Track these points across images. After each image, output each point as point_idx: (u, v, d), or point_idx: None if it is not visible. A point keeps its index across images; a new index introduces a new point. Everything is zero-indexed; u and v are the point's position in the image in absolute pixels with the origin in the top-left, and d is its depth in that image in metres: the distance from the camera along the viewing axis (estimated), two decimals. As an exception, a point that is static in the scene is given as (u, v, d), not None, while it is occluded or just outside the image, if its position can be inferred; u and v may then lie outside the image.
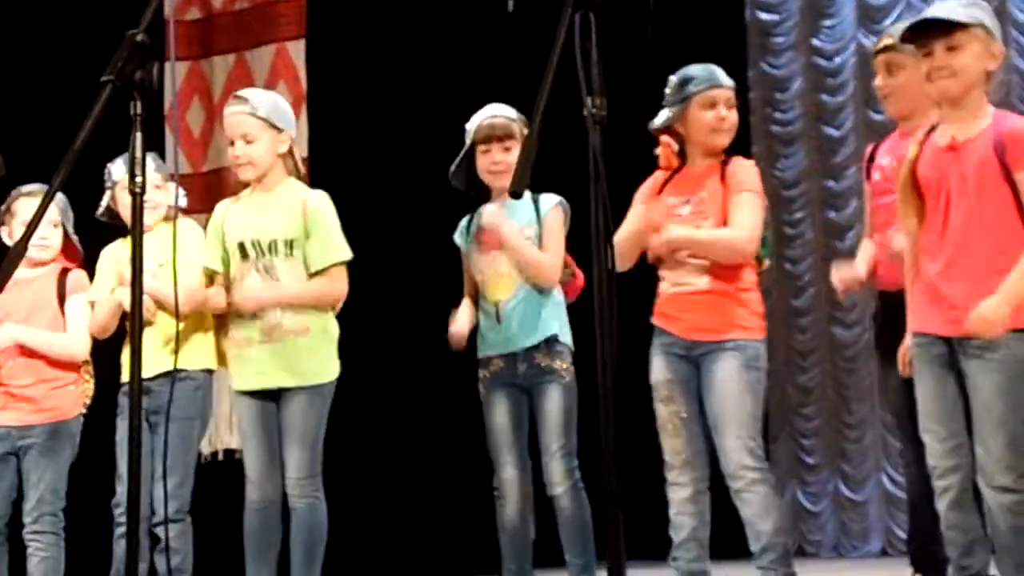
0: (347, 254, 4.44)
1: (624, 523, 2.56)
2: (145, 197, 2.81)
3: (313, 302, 4.39)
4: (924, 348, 3.72)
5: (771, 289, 9.67)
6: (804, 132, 9.76)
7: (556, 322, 4.50)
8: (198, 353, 4.85)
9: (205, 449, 7.05)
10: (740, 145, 4.38)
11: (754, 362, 4.07)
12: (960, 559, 3.67)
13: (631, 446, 3.42)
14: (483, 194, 4.64)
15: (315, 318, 4.40)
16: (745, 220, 4.07)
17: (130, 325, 2.80)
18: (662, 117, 4.22)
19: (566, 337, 4.51)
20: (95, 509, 5.12)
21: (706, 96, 4.16)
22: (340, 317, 4.54)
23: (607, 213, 2.62)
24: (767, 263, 4.23)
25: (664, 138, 4.22)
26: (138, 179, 2.76)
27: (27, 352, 4.89)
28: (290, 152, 4.52)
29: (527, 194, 4.54)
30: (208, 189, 8.36)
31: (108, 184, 4.97)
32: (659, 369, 4.15)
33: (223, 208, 4.58)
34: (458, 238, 4.68)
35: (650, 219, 4.16)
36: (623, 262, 4.08)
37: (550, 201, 4.55)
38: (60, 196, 4.81)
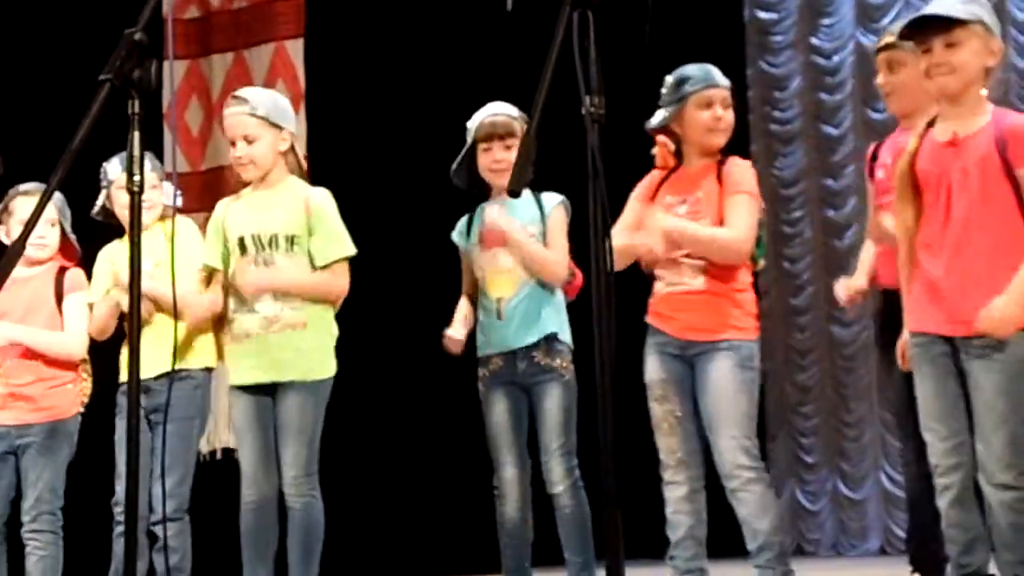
0: (350, 250, 4.44)
1: (623, 522, 2.56)
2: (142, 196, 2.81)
3: (313, 293, 4.39)
4: (924, 347, 3.71)
5: (769, 288, 9.68)
6: (803, 131, 9.77)
7: (556, 321, 4.50)
8: (197, 352, 4.85)
9: (204, 448, 7.05)
10: (738, 144, 4.37)
11: (748, 362, 4.08)
12: (960, 557, 3.68)
13: (629, 445, 3.43)
14: (484, 192, 4.63)
15: (314, 313, 4.40)
16: (740, 222, 4.07)
17: (128, 325, 2.79)
18: (658, 117, 4.22)
19: (566, 336, 4.51)
20: (94, 508, 5.12)
21: (702, 96, 4.16)
22: (340, 315, 4.54)
23: (605, 212, 2.62)
24: (762, 263, 4.23)
25: (660, 138, 4.22)
26: (136, 178, 2.75)
27: (26, 352, 4.88)
28: (291, 149, 4.52)
29: (529, 193, 4.55)
30: (207, 188, 8.36)
31: (104, 183, 4.98)
32: (653, 368, 4.15)
33: (224, 206, 4.58)
34: (456, 237, 4.67)
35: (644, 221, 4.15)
36: (619, 260, 4.07)
37: (553, 200, 4.55)
38: (58, 195, 4.81)
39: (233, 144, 4.47)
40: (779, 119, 9.81)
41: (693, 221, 4.11)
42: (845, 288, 4.59)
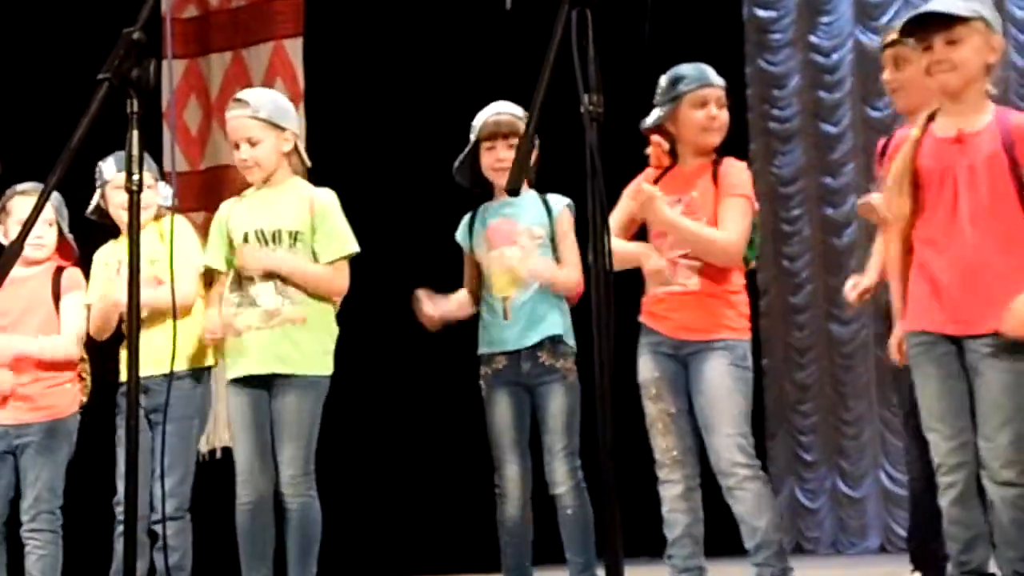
0: (353, 248, 4.45)
1: (622, 521, 2.56)
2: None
3: (314, 283, 4.39)
4: (927, 347, 3.70)
5: (768, 286, 9.69)
6: (802, 129, 9.77)
7: (561, 322, 4.50)
8: (196, 351, 4.86)
9: (203, 447, 7.06)
10: (737, 142, 4.38)
11: (742, 361, 4.09)
12: (960, 555, 3.67)
13: (628, 444, 3.43)
14: (487, 191, 4.63)
15: (314, 310, 4.40)
16: (733, 225, 4.08)
17: (128, 325, 2.79)
18: (653, 116, 4.22)
19: (570, 338, 4.51)
20: (96, 507, 5.12)
21: (697, 95, 4.16)
22: (340, 314, 4.54)
23: (604, 210, 2.62)
24: (752, 264, 4.23)
25: (654, 137, 4.22)
26: (135, 177, 2.75)
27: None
28: (295, 150, 4.53)
29: (535, 193, 4.56)
30: (206, 187, 8.36)
31: (98, 183, 4.98)
32: (647, 367, 4.15)
33: (227, 207, 4.58)
34: (460, 237, 4.67)
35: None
36: (617, 263, 4.07)
37: (560, 202, 4.55)
38: (55, 195, 4.82)
39: (236, 147, 4.47)
40: (778, 117, 9.81)
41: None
42: (854, 287, 4.56)
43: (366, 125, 8.60)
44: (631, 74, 4.59)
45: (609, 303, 2.57)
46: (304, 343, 4.37)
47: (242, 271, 4.41)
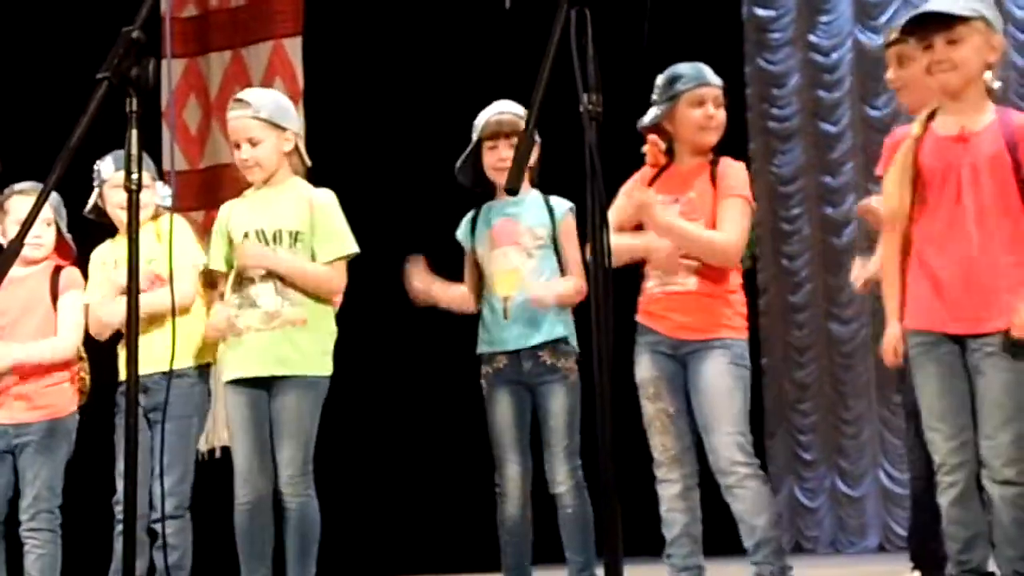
0: (351, 248, 4.44)
1: (621, 520, 2.56)
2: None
3: (313, 283, 4.38)
4: (929, 346, 3.70)
5: (768, 285, 9.69)
6: (801, 128, 9.77)
7: (562, 322, 4.49)
8: (195, 349, 4.86)
9: (202, 446, 7.05)
10: (736, 141, 4.38)
11: (740, 360, 4.09)
12: (959, 554, 3.67)
13: (627, 443, 3.43)
14: (489, 190, 4.63)
15: (314, 311, 4.40)
16: (732, 226, 4.07)
17: (127, 324, 2.79)
18: (650, 115, 4.21)
19: (572, 338, 4.50)
20: (96, 507, 5.13)
21: (694, 94, 4.15)
22: (341, 313, 4.54)
23: (603, 209, 2.62)
24: (748, 263, 4.23)
25: (651, 136, 4.22)
26: (134, 176, 2.75)
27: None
28: (295, 150, 4.52)
29: (537, 193, 4.56)
30: (205, 186, 8.36)
31: (96, 182, 4.98)
32: (645, 367, 4.14)
33: (228, 208, 4.58)
34: (461, 236, 4.67)
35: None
36: (616, 259, 4.06)
37: (563, 206, 4.55)
38: (54, 194, 4.80)
39: (237, 147, 4.47)
40: (777, 116, 9.82)
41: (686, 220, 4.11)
42: (860, 272, 4.52)
43: (365, 124, 8.60)
44: (630, 73, 4.58)
45: (608, 302, 2.57)
46: (304, 344, 4.37)
47: (242, 271, 4.41)
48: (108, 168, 4.92)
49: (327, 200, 4.46)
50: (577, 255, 4.48)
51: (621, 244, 3.79)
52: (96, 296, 4.95)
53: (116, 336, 4.95)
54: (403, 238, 8.08)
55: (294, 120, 4.55)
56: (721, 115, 4.18)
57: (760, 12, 9.87)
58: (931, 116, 3.76)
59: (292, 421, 4.33)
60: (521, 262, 4.51)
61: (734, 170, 4.16)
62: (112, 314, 4.85)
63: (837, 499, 9.45)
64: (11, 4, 8.15)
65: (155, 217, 4.96)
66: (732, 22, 9.74)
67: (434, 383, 8.21)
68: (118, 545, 4.74)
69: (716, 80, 4.21)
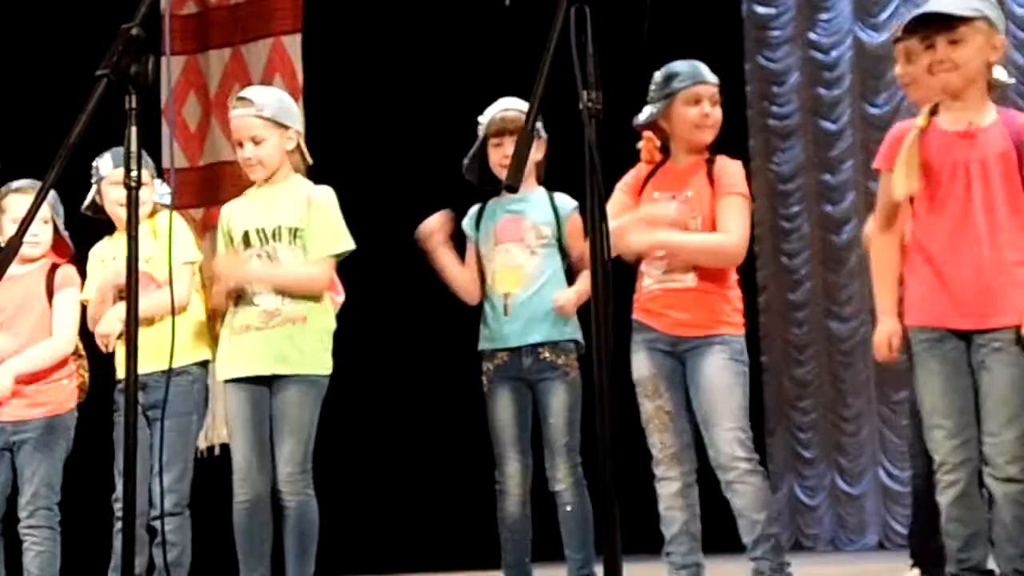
0: (343, 246, 4.42)
1: (621, 518, 2.56)
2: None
3: (293, 287, 4.37)
4: (934, 343, 3.69)
5: (767, 283, 9.70)
6: (801, 126, 9.77)
7: (563, 320, 4.49)
8: (193, 347, 4.86)
9: (201, 444, 7.05)
10: (736, 139, 4.38)
11: (739, 356, 4.09)
12: (959, 552, 3.66)
13: (627, 441, 3.43)
14: (496, 187, 4.62)
15: (314, 308, 4.40)
16: (735, 225, 4.07)
17: (125, 322, 2.79)
18: (646, 113, 4.21)
19: (575, 333, 4.49)
20: (95, 504, 5.13)
21: (690, 92, 4.15)
22: (341, 309, 4.54)
23: (602, 206, 2.62)
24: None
25: (646, 133, 4.22)
26: (134, 173, 2.75)
27: (18, 350, 4.88)
28: (297, 148, 4.52)
29: (543, 190, 4.57)
30: (204, 183, 8.36)
31: (95, 179, 4.98)
32: (643, 364, 4.13)
33: (228, 208, 4.58)
34: (466, 225, 4.67)
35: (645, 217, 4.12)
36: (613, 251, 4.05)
37: (568, 205, 4.55)
38: (51, 192, 4.81)
39: (240, 145, 4.47)
40: (777, 114, 9.81)
41: (684, 219, 4.09)
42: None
43: (365, 121, 8.60)
44: (630, 71, 4.58)
45: (608, 298, 2.57)
46: (304, 342, 4.37)
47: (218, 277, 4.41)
48: (107, 165, 4.92)
49: (325, 197, 4.45)
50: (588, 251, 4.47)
51: (616, 228, 3.78)
52: (93, 292, 4.94)
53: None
54: (402, 235, 8.11)
55: (297, 118, 4.55)
56: (717, 113, 4.18)
57: (760, 9, 9.86)
58: (934, 111, 3.75)
59: (292, 419, 4.32)
60: (524, 260, 4.51)
61: (731, 168, 4.16)
62: (107, 323, 4.85)
63: (837, 497, 9.45)
64: (10, 2, 8.15)
65: (152, 215, 4.95)
66: (732, 19, 9.74)
67: (434, 380, 8.21)
68: (117, 542, 4.74)
69: (713, 78, 4.21)
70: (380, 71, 8.68)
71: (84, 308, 4.98)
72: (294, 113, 4.55)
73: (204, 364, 4.94)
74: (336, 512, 4.73)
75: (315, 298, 4.40)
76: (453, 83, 8.24)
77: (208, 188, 8.30)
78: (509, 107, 4.57)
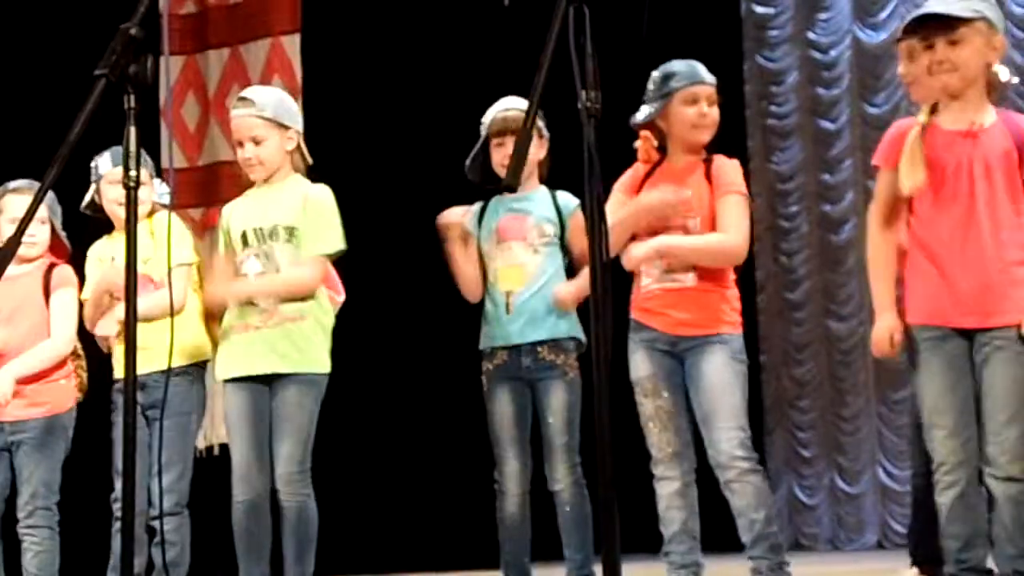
0: (335, 246, 4.41)
1: (620, 517, 2.56)
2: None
3: (284, 293, 4.37)
4: (937, 342, 3.68)
5: (766, 283, 9.70)
6: (800, 125, 9.77)
7: (565, 319, 4.48)
8: (192, 346, 4.85)
9: (200, 443, 7.06)
10: (735, 138, 4.38)
11: (739, 355, 4.09)
12: (958, 552, 3.66)
13: (626, 441, 3.43)
14: (498, 187, 4.62)
15: (313, 307, 4.40)
16: (735, 224, 4.07)
17: (124, 321, 2.79)
18: (643, 112, 4.21)
19: (577, 332, 4.49)
20: (94, 504, 5.12)
21: (688, 92, 4.15)
22: (341, 308, 4.54)
23: (601, 206, 2.62)
24: None
25: (644, 132, 4.22)
26: (132, 173, 2.75)
27: (15, 349, 4.88)
28: (297, 148, 4.52)
29: (545, 189, 4.57)
30: (203, 183, 8.37)
31: (94, 178, 4.98)
32: (642, 364, 4.13)
33: (229, 208, 4.58)
34: (469, 223, 4.67)
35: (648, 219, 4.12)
36: (613, 250, 4.05)
37: (571, 203, 4.54)
38: (48, 192, 4.81)
39: (240, 145, 4.47)
40: (776, 114, 9.82)
41: (683, 219, 4.09)
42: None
43: (364, 121, 8.60)
44: (629, 70, 4.58)
45: (607, 298, 2.57)
46: (304, 341, 4.36)
47: (236, 272, 4.41)
48: (106, 164, 4.92)
49: (321, 196, 4.44)
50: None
51: (615, 223, 3.78)
52: (90, 293, 4.94)
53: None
54: (401, 234, 8.12)
55: (297, 118, 4.55)
56: (715, 113, 4.17)
57: (759, 9, 9.87)
58: (934, 109, 3.75)
59: (291, 418, 4.32)
60: (527, 258, 4.51)
61: (729, 167, 4.16)
62: (107, 325, 4.85)
63: (835, 496, 9.45)
64: (9, 1, 8.15)
65: (150, 214, 4.95)
66: (731, 19, 9.75)
67: (434, 379, 8.21)
68: (116, 542, 4.74)
69: (710, 78, 4.21)
70: (379, 71, 8.68)
71: (82, 308, 4.98)
72: (294, 113, 4.55)
73: (202, 364, 4.94)
74: (335, 512, 4.72)
75: (312, 296, 4.40)
76: (453, 83, 8.24)
77: (207, 188, 8.30)
78: (510, 107, 4.56)
